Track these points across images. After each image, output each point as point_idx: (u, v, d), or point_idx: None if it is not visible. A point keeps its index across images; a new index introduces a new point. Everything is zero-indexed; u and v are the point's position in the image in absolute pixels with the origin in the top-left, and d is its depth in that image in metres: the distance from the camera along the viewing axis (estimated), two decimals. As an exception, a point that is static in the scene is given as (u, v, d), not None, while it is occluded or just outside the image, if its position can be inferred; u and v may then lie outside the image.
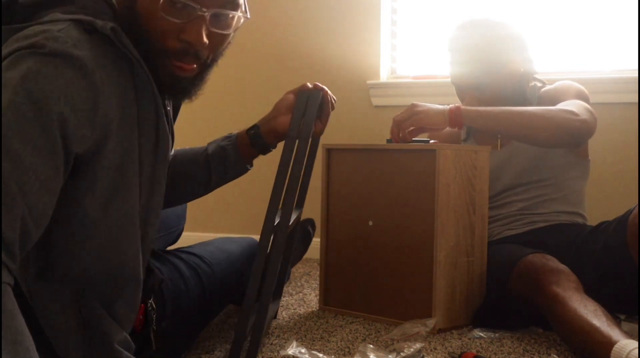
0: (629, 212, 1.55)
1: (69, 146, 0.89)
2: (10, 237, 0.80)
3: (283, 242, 1.30)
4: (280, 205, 1.32)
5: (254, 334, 1.29)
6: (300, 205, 1.61)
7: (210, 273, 1.42)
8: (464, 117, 1.63)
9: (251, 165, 1.49)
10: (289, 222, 1.30)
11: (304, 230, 2.22)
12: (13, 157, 0.82)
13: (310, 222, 2.24)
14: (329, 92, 1.44)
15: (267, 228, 1.27)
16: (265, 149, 1.46)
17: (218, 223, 2.82)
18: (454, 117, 1.62)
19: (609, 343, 1.22)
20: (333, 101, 1.46)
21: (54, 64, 0.88)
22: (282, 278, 1.68)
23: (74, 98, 0.89)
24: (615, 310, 1.58)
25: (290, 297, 1.91)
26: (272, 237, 1.29)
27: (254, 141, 1.43)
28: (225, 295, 1.50)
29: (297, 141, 1.34)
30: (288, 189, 1.31)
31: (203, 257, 1.44)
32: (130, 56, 0.98)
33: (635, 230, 1.48)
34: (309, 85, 1.41)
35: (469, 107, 1.66)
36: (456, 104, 1.66)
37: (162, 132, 1.05)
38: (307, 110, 1.36)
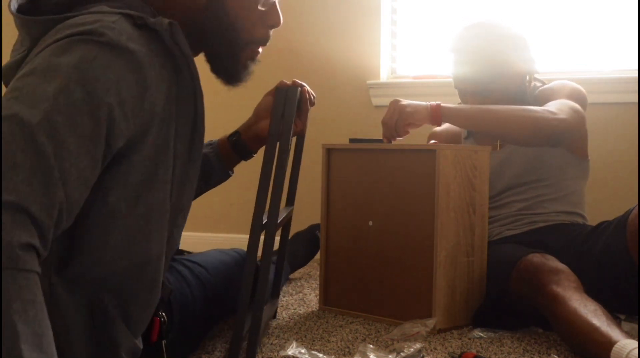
0: (629, 212, 1.55)
1: (111, 139, 0.88)
2: (46, 223, 0.78)
3: (273, 241, 1.30)
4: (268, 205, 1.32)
5: (251, 335, 1.29)
6: (290, 202, 1.61)
7: (213, 283, 1.42)
8: (443, 115, 1.64)
9: (232, 172, 1.49)
10: (277, 220, 1.30)
11: (312, 234, 2.21)
12: (58, 142, 0.81)
13: (319, 227, 2.24)
14: (308, 87, 1.43)
15: (255, 227, 1.28)
16: (248, 155, 1.46)
17: (218, 223, 2.82)
18: (435, 115, 1.64)
19: (609, 343, 1.21)
20: (312, 97, 1.45)
21: (109, 54, 0.87)
22: (279, 277, 1.68)
23: (124, 91, 0.88)
24: (615, 310, 1.58)
25: (290, 297, 1.91)
26: (262, 237, 1.29)
27: (236, 148, 1.44)
28: (225, 305, 1.50)
29: (278, 141, 1.33)
30: (274, 188, 1.30)
31: (206, 267, 1.43)
32: (177, 54, 0.97)
33: (635, 229, 1.48)
34: (286, 82, 1.41)
35: (448, 105, 1.67)
36: (437, 102, 1.67)
37: (199, 132, 1.05)
38: (285, 108, 1.35)
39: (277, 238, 1.69)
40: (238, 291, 1.32)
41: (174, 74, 0.98)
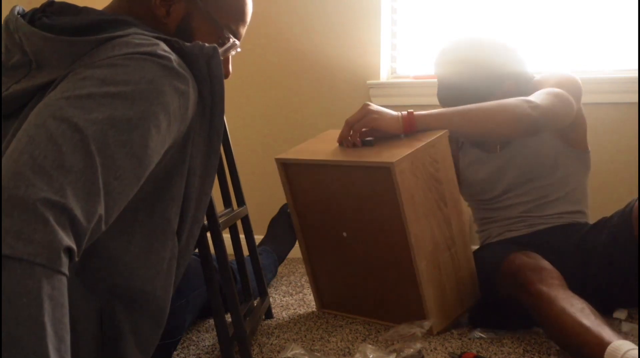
0: (631, 204, 1.55)
1: (155, 158, 0.90)
2: (84, 230, 0.78)
3: (221, 240, 1.32)
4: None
5: (239, 336, 1.30)
6: (240, 203, 1.65)
7: None
8: (418, 123, 1.57)
9: None
10: (218, 220, 1.32)
11: (285, 214, 2.22)
12: (107, 155, 0.82)
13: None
14: None
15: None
16: None
17: None
18: (408, 124, 1.56)
19: (601, 344, 1.21)
20: None
21: (168, 77, 0.91)
22: (260, 276, 1.68)
23: (172, 114, 0.92)
24: (622, 303, 1.58)
25: (290, 297, 1.91)
26: (211, 238, 1.32)
27: None
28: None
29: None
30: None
31: None
32: (209, 79, 1.02)
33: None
34: None
35: (422, 112, 1.59)
36: (409, 111, 1.60)
37: (214, 149, 1.07)
38: None
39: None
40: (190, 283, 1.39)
41: (195, 94, 1.02)
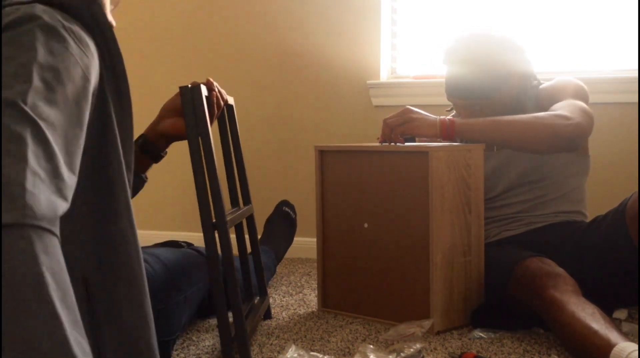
0: (625, 201, 1.57)
1: (85, 109, 0.88)
2: (70, 178, 0.76)
3: (228, 239, 1.31)
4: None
5: (239, 338, 1.30)
6: (246, 201, 1.65)
7: (154, 275, 1.38)
8: (457, 132, 1.60)
9: (146, 177, 1.48)
10: (225, 218, 1.31)
11: (281, 212, 2.22)
12: (46, 117, 0.79)
13: (285, 203, 2.25)
14: (218, 87, 1.42)
15: (207, 227, 1.29)
16: (158, 156, 1.46)
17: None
18: (446, 131, 1.60)
19: (608, 346, 1.22)
20: (221, 95, 1.43)
21: (57, 37, 0.89)
22: (261, 275, 1.68)
23: (89, 74, 0.90)
24: (617, 301, 1.59)
25: (290, 297, 1.91)
26: (218, 237, 1.31)
27: (145, 149, 1.43)
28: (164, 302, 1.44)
29: (199, 139, 1.32)
30: (212, 187, 1.32)
31: (147, 260, 1.40)
32: (97, 27, 0.98)
33: (635, 214, 1.49)
34: (197, 82, 1.38)
35: (460, 121, 1.62)
36: (448, 117, 1.63)
37: (123, 94, 1.02)
38: (195, 107, 1.33)
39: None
40: (181, 289, 1.37)
41: (96, 48, 0.99)
